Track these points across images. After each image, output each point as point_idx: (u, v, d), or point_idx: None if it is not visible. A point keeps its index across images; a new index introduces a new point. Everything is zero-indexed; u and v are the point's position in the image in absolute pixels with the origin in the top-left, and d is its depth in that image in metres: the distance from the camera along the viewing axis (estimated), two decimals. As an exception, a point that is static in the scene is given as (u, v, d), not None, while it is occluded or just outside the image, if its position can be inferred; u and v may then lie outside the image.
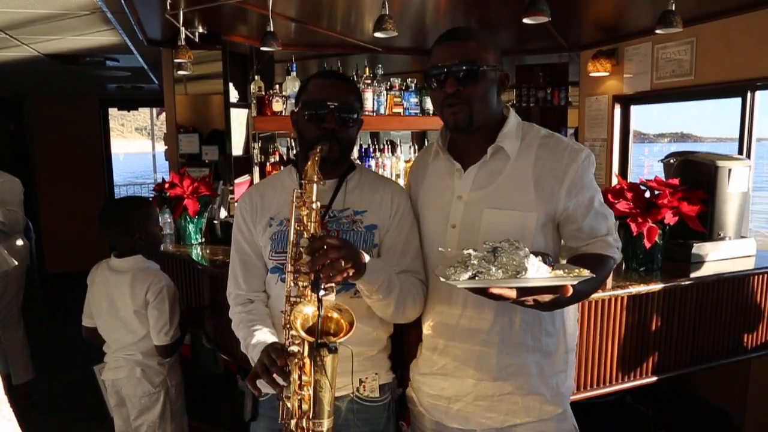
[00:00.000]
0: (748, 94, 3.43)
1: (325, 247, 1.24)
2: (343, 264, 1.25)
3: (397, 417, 1.70)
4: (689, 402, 3.02)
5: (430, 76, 1.46)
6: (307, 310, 1.27)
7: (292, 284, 1.34)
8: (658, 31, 2.71)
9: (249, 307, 1.59)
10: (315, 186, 1.34)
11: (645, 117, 4.50)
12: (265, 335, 1.47)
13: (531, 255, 1.22)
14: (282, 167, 3.95)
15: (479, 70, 1.41)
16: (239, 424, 1.69)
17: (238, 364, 2.86)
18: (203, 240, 3.10)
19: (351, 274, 1.29)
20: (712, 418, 3.00)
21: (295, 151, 4.22)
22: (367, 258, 1.34)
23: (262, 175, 4.08)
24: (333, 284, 1.31)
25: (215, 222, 3.15)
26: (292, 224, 1.36)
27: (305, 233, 1.31)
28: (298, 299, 1.31)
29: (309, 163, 1.36)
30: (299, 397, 1.26)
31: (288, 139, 4.60)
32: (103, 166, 7.77)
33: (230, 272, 1.65)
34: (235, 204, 3.70)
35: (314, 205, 1.33)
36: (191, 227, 3.02)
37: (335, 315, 1.29)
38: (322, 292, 1.26)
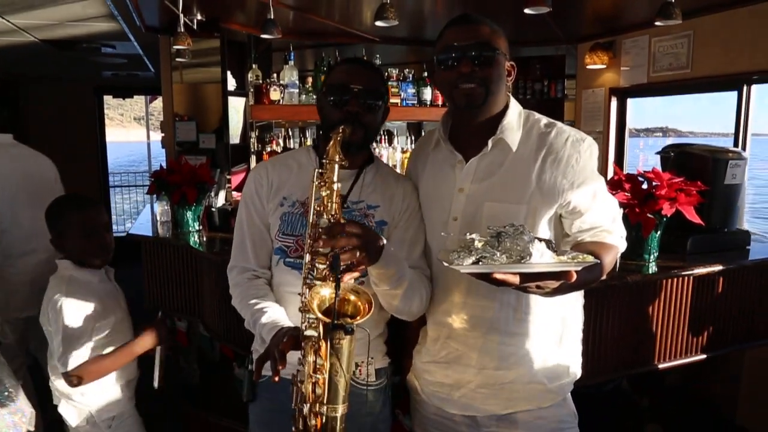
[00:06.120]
0: (744, 88, 3.45)
1: (345, 231, 1.21)
2: (359, 253, 1.22)
3: (393, 403, 1.69)
4: (681, 393, 3.05)
5: (442, 57, 1.43)
6: (324, 292, 1.24)
7: (310, 266, 1.29)
8: (657, 23, 2.72)
9: (255, 282, 1.56)
10: (336, 166, 1.30)
11: (630, 112, 4.53)
12: (277, 314, 1.45)
13: (535, 240, 1.21)
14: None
15: (495, 53, 1.40)
16: (237, 411, 1.66)
17: (235, 351, 2.86)
18: (200, 228, 3.10)
19: (366, 261, 1.26)
20: (705, 410, 3.04)
21: (293, 141, 4.21)
22: (384, 243, 1.32)
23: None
24: (355, 274, 1.28)
25: (213, 210, 3.15)
26: (312, 205, 1.32)
27: (324, 214, 1.28)
28: (316, 282, 1.27)
29: (331, 143, 1.32)
30: (313, 381, 1.23)
31: (283, 129, 4.59)
32: (98, 154, 7.72)
33: (237, 246, 1.61)
34: (232, 191, 3.69)
35: (335, 186, 1.29)
36: (189, 214, 3.01)
37: (352, 297, 1.26)
38: (347, 277, 1.24)
